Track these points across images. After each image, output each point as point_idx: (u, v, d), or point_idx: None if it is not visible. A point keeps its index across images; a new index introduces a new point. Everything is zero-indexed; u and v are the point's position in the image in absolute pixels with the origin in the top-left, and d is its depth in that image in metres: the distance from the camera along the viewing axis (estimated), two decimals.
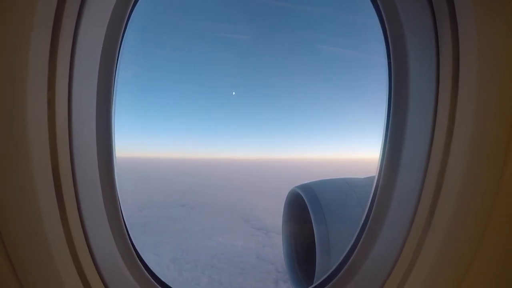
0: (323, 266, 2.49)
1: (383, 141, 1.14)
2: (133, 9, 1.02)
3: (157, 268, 9.00)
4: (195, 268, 9.05)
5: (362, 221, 1.17)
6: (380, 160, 1.14)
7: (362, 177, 3.08)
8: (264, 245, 10.84)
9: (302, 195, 2.91)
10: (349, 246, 1.19)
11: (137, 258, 1.11)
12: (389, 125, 1.10)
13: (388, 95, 1.11)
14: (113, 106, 1.02)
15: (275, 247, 10.12)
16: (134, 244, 1.13)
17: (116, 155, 1.05)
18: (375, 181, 1.15)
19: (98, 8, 0.90)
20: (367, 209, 1.17)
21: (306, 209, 2.78)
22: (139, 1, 1.04)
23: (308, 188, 2.96)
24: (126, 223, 1.10)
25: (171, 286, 1.20)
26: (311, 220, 2.69)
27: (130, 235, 1.11)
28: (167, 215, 14.83)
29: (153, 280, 1.14)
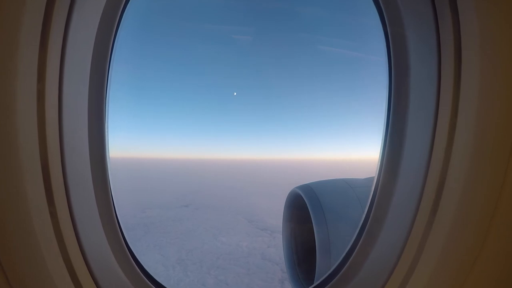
0: (324, 267, 2.49)
1: (383, 141, 1.12)
2: (126, 5, 1.00)
3: (163, 269, 9.08)
4: (201, 269, 9.08)
5: (362, 221, 1.16)
6: (380, 160, 1.12)
7: (363, 177, 3.07)
8: (268, 245, 10.87)
9: (302, 195, 2.88)
10: (349, 247, 1.18)
11: (130, 257, 1.09)
12: (389, 125, 1.08)
13: (388, 94, 1.09)
14: (105, 104, 0.99)
15: (279, 247, 10.13)
16: (129, 243, 1.10)
17: (110, 155, 1.04)
18: (375, 181, 1.14)
19: (90, 4, 0.88)
20: (366, 209, 1.16)
21: (307, 209, 2.75)
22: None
23: (308, 188, 2.92)
24: (120, 222, 1.07)
25: (164, 285, 1.17)
26: (312, 221, 2.69)
27: (125, 235, 1.09)
28: (171, 216, 14.89)
29: (146, 279, 1.12)
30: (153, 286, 1.12)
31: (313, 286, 1.25)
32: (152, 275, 1.15)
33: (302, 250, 3.18)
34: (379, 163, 1.12)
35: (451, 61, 0.85)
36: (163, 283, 1.17)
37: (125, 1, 0.98)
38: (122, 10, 0.98)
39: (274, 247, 10.58)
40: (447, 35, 0.86)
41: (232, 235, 12.12)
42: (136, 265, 1.10)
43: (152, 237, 11.65)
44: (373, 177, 1.17)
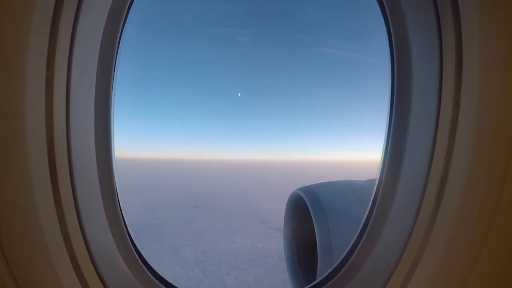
0: (325, 270, 2.47)
1: (385, 142, 1.13)
2: (131, 6, 1.01)
3: (181, 270, 9.09)
4: (219, 270, 9.11)
5: (364, 220, 1.16)
6: (382, 159, 1.13)
7: (365, 179, 3.07)
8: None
9: (304, 197, 2.84)
10: (351, 244, 1.18)
11: (135, 254, 1.08)
12: (391, 126, 1.09)
13: (391, 93, 1.10)
14: (112, 104, 1.00)
15: None
16: (134, 240, 1.11)
17: (115, 155, 1.05)
18: (377, 181, 1.14)
19: (96, 5, 0.89)
20: (369, 208, 1.16)
21: (308, 211, 2.72)
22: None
23: (309, 190, 2.87)
24: (126, 220, 1.07)
25: (169, 281, 1.16)
26: (313, 223, 2.62)
27: (130, 231, 1.09)
28: (181, 217, 14.86)
29: (152, 277, 1.11)
30: (159, 283, 1.13)
31: (315, 282, 1.24)
32: (159, 272, 1.16)
33: (304, 252, 3.16)
34: (382, 162, 1.14)
35: (452, 59, 0.87)
36: (168, 280, 1.17)
37: (130, 3, 1.00)
38: (128, 7, 1.00)
39: None
40: (448, 33, 0.88)
41: (245, 235, 12.12)
42: (141, 261, 1.11)
43: (166, 239, 11.65)
44: (374, 179, 1.18)
